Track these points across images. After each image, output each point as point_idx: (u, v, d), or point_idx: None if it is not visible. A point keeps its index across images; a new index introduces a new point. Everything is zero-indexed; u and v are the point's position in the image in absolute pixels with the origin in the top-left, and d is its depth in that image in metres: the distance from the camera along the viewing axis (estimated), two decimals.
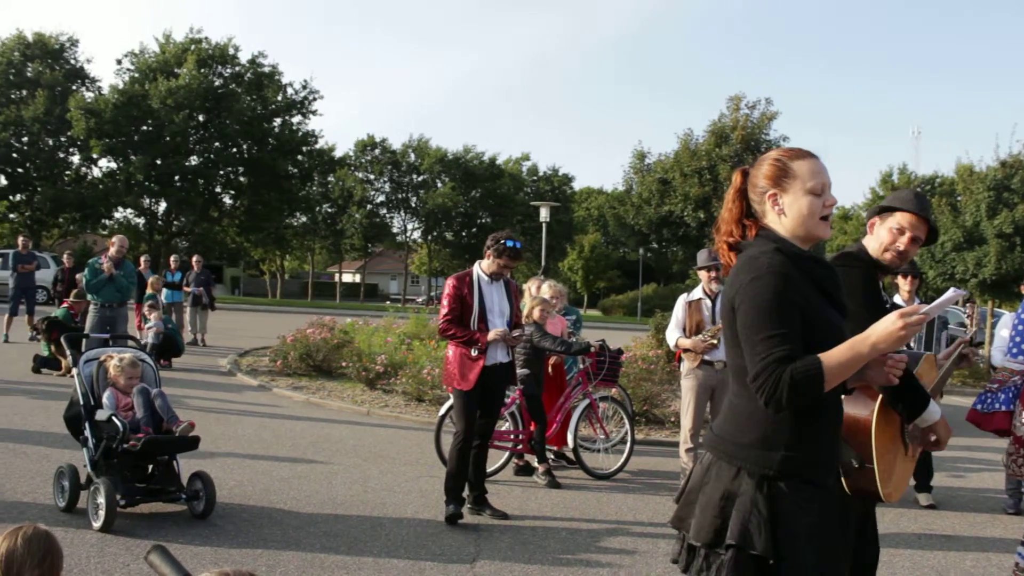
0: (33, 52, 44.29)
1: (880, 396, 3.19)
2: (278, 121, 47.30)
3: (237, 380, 13.32)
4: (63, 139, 44.57)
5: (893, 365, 2.70)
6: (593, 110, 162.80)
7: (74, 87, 44.97)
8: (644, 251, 56.96)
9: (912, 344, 7.21)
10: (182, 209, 44.96)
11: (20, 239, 17.72)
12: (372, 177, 61.31)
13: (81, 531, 5.50)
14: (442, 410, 7.97)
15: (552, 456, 8.39)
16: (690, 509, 2.71)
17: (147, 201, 45.66)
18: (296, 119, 47.92)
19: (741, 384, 2.66)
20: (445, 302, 6.59)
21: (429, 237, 62.87)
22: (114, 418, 5.86)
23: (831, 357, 2.46)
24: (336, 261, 72.19)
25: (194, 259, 18.78)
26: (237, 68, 46.36)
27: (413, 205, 61.44)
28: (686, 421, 7.65)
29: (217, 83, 45.27)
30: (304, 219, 54.71)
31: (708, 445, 2.76)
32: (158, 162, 42.52)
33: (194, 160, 45.46)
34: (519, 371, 7.63)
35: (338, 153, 53.96)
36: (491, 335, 6.44)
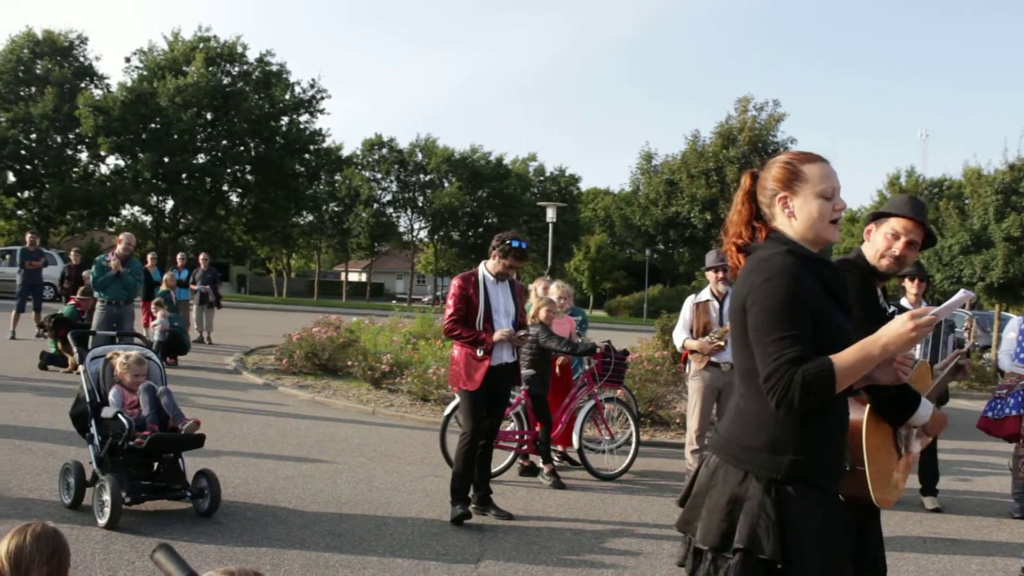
0: (42, 49, 44.41)
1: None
2: (285, 120, 47.36)
3: (243, 378, 13.33)
4: (71, 136, 44.71)
5: (901, 362, 2.71)
6: (600, 111, 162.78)
7: (83, 84, 45.08)
8: (651, 252, 56.89)
9: (919, 347, 7.20)
10: (189, 207, 45.04)
11: (28, 236, 17.77)
12: (379, 176, 61.36)
13: (86, 528, 5.51)
14: (447, 410, 7.97)
15: (557, 457, 8.38)
16: (696, 512, 2.70)
17: (154, 199, 45.76)
18: (303, 118, 47.98)
19: (748, 386, 2.66)
20: (451, 302, 6.59)
21: (435, 237, 62.89)
22: (120, 415, 5.87)
23: (842, 359, 2.46)
24: (342, 260, 72.26)
25: (201, 257, 18.81)
26: (245, 67, 46.44)
27: (420, 204, 61.48)
28: (692, 423, 7.65)
29: (225, 81, 45.35)
30: (311, 218, 54.78)
31: (714, 448, 2.75)
32: (166, 160, 42.63)
33: (201, 158, 45.53)
34: (524, 371, 7.63)
35: (345, 152, 54.05)
36: (497, 335, 6.44)
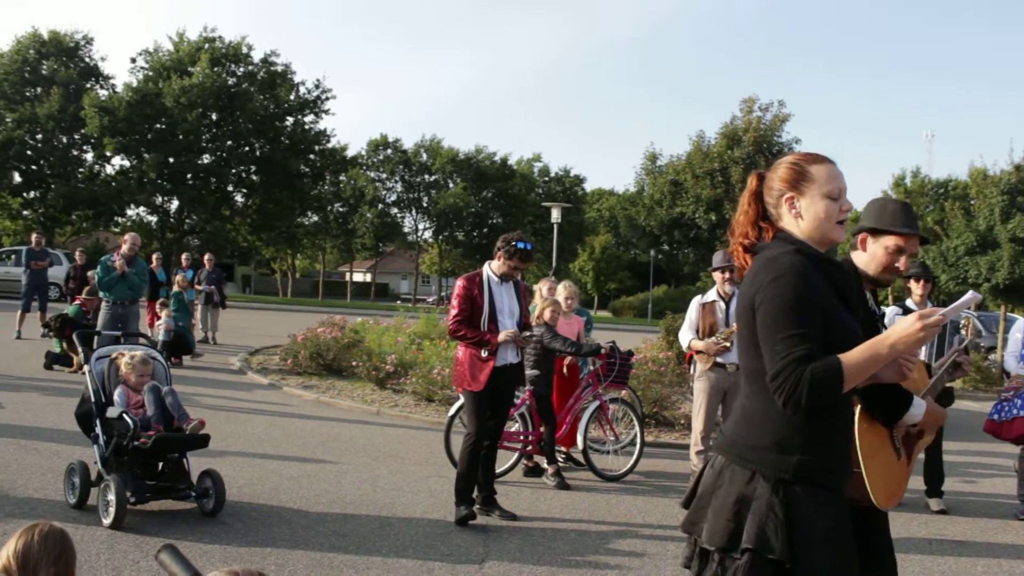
0: (48, 50, 44.53)
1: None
2: (290, 120, 47.39)
3: (247, 379, 13.34)
4: (77, 137, 44.80)
5: (906, 360, 2.71)
6: (605, 111, 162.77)
7: (88, 85, 45.18)
8: (655, 252, 56.97)
9: (925, 348, 7.18)
10: (194, 207, 45.08)
11: (33, 236, 17.80)
12: (384, 177, 61.40)
13: (91, 528, 5.51)
14: (452, 410, 7.97)
15: (561, 457, 8.38)
16: (702, 513, 2.69)
17: (159, 199, 45.81)
18: (308, 118, 48.02)
19: (754, 386, 2.65)
20: (455, 303, 6.59)
21: (440, 237, 62.92)
22: (125, 415, 5.88)
23: (850, 358, 2.47)
24: (347, 260, 72.35)
25: (206, 257, 18.83)
26: (250, 67, 46.49)
27: (424, 205, 61.50)
28: (697, 423, 7.63)
29: (230, 82, 45.39)
30: (316, 218, 54.82)
31: (720, 448, 2.74)
32: (171, 160, 42.69)
33: (207, 158, 45.59)
34: (529, 372, 7.63)
35: (350, 152, 54.08)
36: (501, 336, 6.43)
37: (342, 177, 55.91)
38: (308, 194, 48.58)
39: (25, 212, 45.68)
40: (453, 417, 7.87)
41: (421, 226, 63.65)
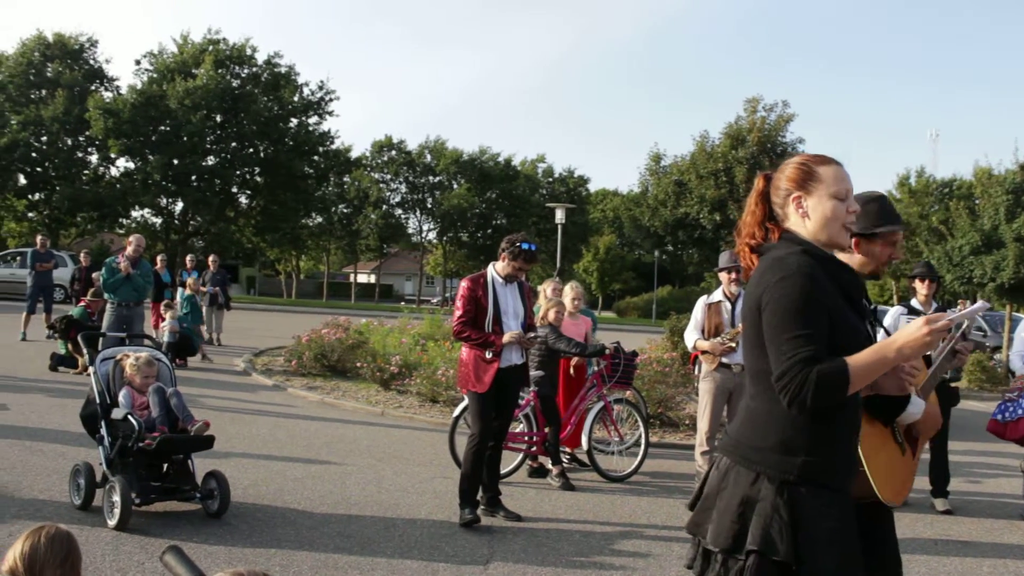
0: (53, 52, 44.57)
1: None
2: (294, 122, 47.42)
3: (252, 380, 13.35)
4: (81, 139, 44.84)
5: (909, 372, 2.70)
6: (609, 112, 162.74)
7: (93, 87, 45.21)
8: (659, 253, 56.86)
9: (931, 353, 7.17)
10: (199, 209, 45.11)
11: (38, 238, 17.84)
12: (388, 178, 61.38)
13: (96, 529, 5.52)
14: (456, 411, 7.97)
15: (566, 458, 8.37)
16: (707, 514, 2.69)
17: (164, 201, 45.83)
18: (312, 120, 48.04)
19: (759, 387, 2.65)
20: (459, 304, 6.58)
21: (444, 238, 62.89)
22: (130, 417, 5.89)
23: (857, 360, 2.46)
24: (351, 262, 72.34)
25: (210, 259, 18.84)
26: (254, 69, 46.53)
27: (429, 206, 61.48)
28: (702, 424, 7.63)
29: (234, 84, 45.42)
30: (320, 219, 54.80)
31: (725, 449, 2.74)
32: (175, 162, 42.70)
33: (211, 160, 45.61)
34: (533, 373, 7.63)
35: (354, 154, 54.08)
36: (506, 337, 6.43)
37: (346, 178, 55.90)
38: (312, 195, 48.58)
39: (30, 214, 45.76)
40: (457, 418, 7.87)
41: (425, 227, 63.61)
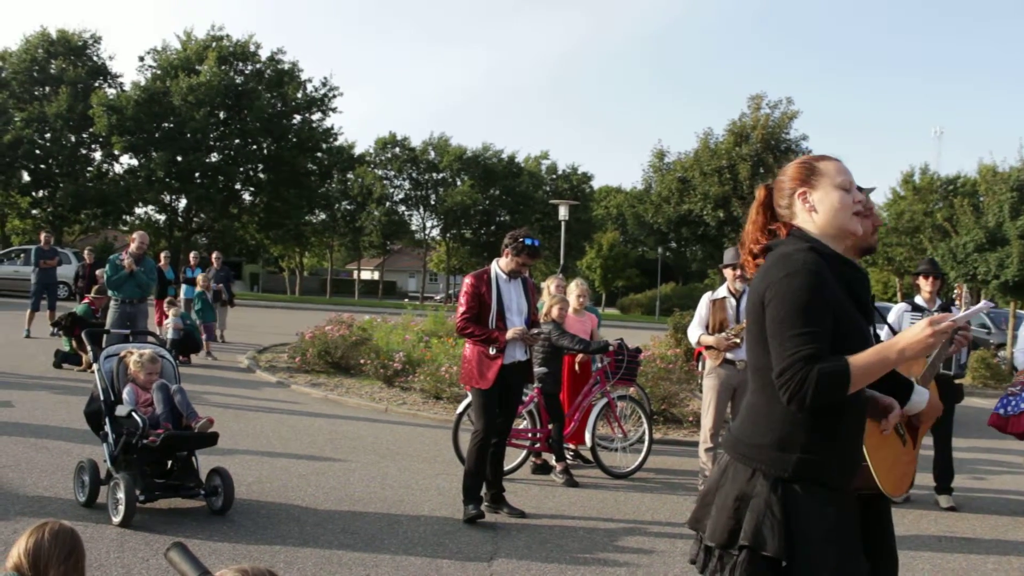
0: (56, 49, 44.62)
1: None
2: (298, 118, 47.46)
3: (256, 377, 13.37)
4: (85, 136, 44.93)
5: (888, 422, 2.82)
6: (612, 109, 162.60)
7: (96, 84, 45.27)
8: (663, 250, 56.86)
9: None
10: (202, 206, 45.19)
11: (42, 235, 17.86)
12: (391, 175, 61.39)
13: (101, 526, 5.53)
14: (460, 408, 7.96)
15: (570, 455, 8.37)
16: (707, 510, 2.70)
17: (167, 197, 45.92)
18: (316, 116, 48.07)
19: (760, 383, 2.65)
20: (463, 300, 6.57)
21: (448, 235, 62.91)
22: (134, 414, 5.90)
23: (858, 360, 2.45)
24: (355, 258, 72.33)
25: (214, 256, 18.85)
26: (258, 65, 46.55)
27: (432, 203, 61.49)
28: (706, 421, 7.62)
29: (238, 80, 45.47)
30: (323, 216, 54.89)
31: (726, 446, 2.75)
32: (179, 159, 42.78)
33: (214, 157, 45.67)
34: (537, 369, 7.62)
35: (358, 151, 54.11)
36: (509, 334, 6.42)
37: (350, 175, 55.94)
38: (316, 192, 48.67)
39: (34, 211, 45.83)
40: (461, 415, 7.87)
41: (429, 224, 63.66)
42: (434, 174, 61.37)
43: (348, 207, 59.04)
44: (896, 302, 14.66)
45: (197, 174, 44.29)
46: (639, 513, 6.90)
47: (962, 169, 58.46)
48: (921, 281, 7.75)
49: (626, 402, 8.63)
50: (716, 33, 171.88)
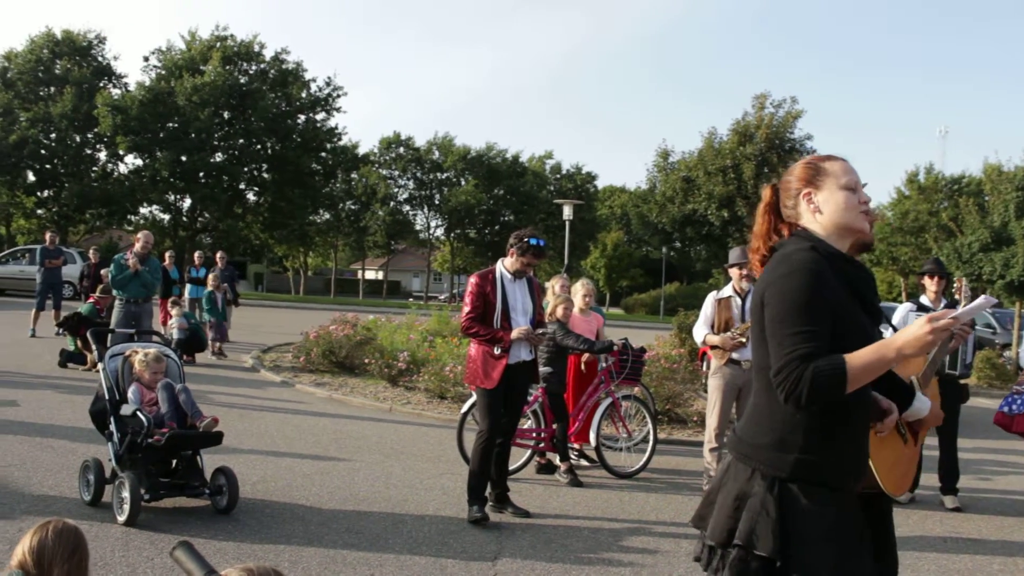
0: (62, 49, 44.74)
1: None
2: (302, 118, 47.49)
3: (260, 376, 13.38)
4: (90, 136, 45.02)
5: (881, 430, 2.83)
6: (616, 108, 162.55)
7: (101, 84, 45.37)
8: (667, 249, 56.87)
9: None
10: (207, 205, 45.25)
11: (47, 235, 17.87)
12: (396, 174, 61.45)
13: (106, 525, 5.54)
14: (464, 407, 7.96)
15: (574, 455, 8.37)
16: (710, 508, 2.71)
17: (172, 197, 45.99)
18: (320, 116, 48.11)
19: (764, 383, 2.64)
20: (468, 300, 6.57)
21: (452, 235, 62.94)
22: (139, 413, 5.90)
23: (856, 359, 2.44)
24: (359, 258, 72.42)
25: (218, 255, 18.84)
26: (262, 65, 46.61)
27: (436, 202, 61.52)
28: (711, 420, 7.60)
29: (242, 80, 45.53)
30: (327, 216, 54.94)
31: (729, 446, 2.76)
32: (183, 159, 42.83)
33: (219, 157, 45.74)
34: (542, 369, 7.61)
35: (362, 150, 54.15)
36: (514, 334, 6.41)
37: (354, 175, 56.00)
38: (320, 192, 48.73)
39: (39, 211, 45.92)
40: (466, 414, 7.86)
41: (433, 224, 63.73)
42: (438, 174, 61.43)
43: (352, 207, 59.12)
44: (901, 302, 14.64)
45: (201, 174, 44.36)
46: (643, 513, 6.89)
47: (967, 168, 58.40)
48: (926, 281, 7.73)
49: (630, 402, 8.62)
50: (716, 33, 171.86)
